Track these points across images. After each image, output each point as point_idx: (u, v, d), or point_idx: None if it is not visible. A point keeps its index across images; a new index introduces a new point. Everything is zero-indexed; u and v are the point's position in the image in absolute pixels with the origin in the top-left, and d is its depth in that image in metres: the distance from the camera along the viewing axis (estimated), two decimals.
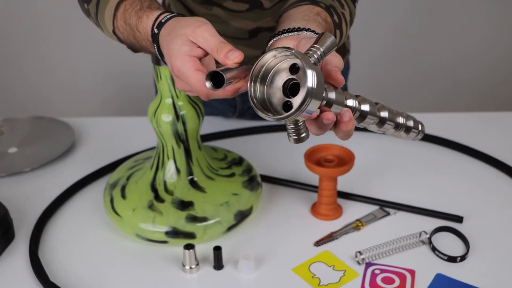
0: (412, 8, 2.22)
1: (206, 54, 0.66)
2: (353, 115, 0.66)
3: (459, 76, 2.34)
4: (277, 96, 0.61)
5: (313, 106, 0.57)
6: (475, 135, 1.11)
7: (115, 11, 0.76)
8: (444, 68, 2.33)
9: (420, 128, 0.76)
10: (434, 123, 1.15)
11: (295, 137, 0.62)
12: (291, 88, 0.60)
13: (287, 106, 0.60)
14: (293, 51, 0.57)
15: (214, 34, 0.65)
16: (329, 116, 0.61)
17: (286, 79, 0.60)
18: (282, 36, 0.70)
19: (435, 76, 2.34)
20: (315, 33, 0.70)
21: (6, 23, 2.21)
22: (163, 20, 0.69)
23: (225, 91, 0.65)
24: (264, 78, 0.62)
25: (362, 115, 0.67)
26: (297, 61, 0.59)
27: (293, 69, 0.60)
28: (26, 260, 0.83)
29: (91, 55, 2.25)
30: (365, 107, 0.67)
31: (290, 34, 0.69)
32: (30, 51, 2.28)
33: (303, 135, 0.61)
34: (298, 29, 0.70)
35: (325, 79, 0.62)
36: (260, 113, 0.60)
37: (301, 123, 0.61)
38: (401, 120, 0.73)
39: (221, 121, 1.20)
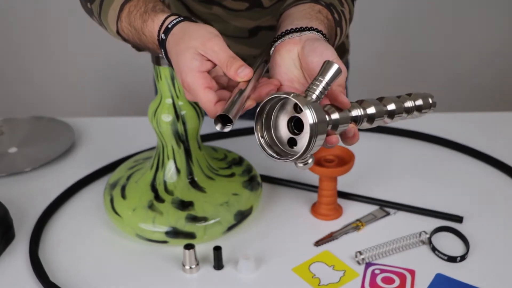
0: (412, 8, 2.22)
1: (215, 65, 0.67)
2: (361, 122, 0.67)
3: (459, 76, 2.34)
4: (283, 134, 0.64)
5: (319, 141, 0.60)
6: (475, 135, 1.11)
7: (119, 12, 0.75)
8: (444, 68, 2.33)
9: (431, 101, 0.75)
10: (434, 123, 1.15)
11: (301, 165, 0.63)
12: (295, 124, 0.63)
13: (292, 141, 0.63)
14: (291, 95, 0.59)
15: (224, 48, 0.66)
16: (333, 140, 0.63)
17: (289, 117, 0.63)
18: (286, 38, 0.70)
19: (435, 76, 2.34)
20: (318, 31, 0.70)
21: (6, 23, 2.21)
22: (170, 26, 0.69)
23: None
24: (268, 121, 0.64)
25: (371, 118, 0.67)
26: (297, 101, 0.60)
27: (296, 107, 0.62)
28: (26, 260, 0.83)
29: (91, 55, 2.25)
30: (371, 110, 0.67)
31: (294, 35, 0.69)
32: (30, 51, 2.28)
33: (310, 160, 0.63)
34: (301, 29, 0.69)
35: (330, 101, 0.64)
36: (274, 159, 0.63)
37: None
38: (409, 103, 0.73)
39: None
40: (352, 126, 0.65)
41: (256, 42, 1.07)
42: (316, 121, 0.58)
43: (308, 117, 0.58)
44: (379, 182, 0.99)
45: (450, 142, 1.08)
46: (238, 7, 1.02)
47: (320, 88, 0.61)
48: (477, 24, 2.24)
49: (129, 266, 0.83)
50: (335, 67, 0.61)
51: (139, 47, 0.77)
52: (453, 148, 1.08)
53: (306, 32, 0.69)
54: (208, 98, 0.64)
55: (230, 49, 1.10)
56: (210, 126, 1.16)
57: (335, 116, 0.63)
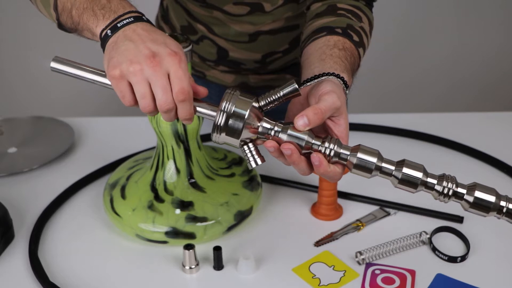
0: (412, 8, 2.22)
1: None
2: (330, 157, 0.68)
3: (459, 76, 2.34)
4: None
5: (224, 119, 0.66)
6: (475, 135, 1.11)
7: None
8: (444, 68, 2.33)
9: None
10: (434, 123, 1.15)
11: (250, 163, 0.68)
12: None
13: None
14: (236, 92, 0.67)
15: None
16: (268, 144, 0.67)
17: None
18: (302, 87, 0.73)
19: (436, 76, 2.34)
20: (331, 74, 0.72)
21: (6, 22, 2.21)
22: (125, 22, 0.66)
23: None
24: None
25: (337, 156, 0.68)
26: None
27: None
28: (25, 260, 0.83)
29: (91, 55, 2.24)
30: (344, 151, 0.68)
31: (309, 83, 0.73)
32: (30, 51, 2.28)
33: (258, 159, 0.68)
34: (315, 77, 0.72)
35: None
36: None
37: (250, 151, 0.68)
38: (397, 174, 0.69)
39: None
40: (316, 154, 0.66)
41: (255, 47, 1.07)
42: (229, 103, 0.65)
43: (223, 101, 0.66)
44: (379, 182, 0.99)
45: (450, 142, 1.08)
46: (239, 12, 1.02)
47: (271, 98, 0.68)
48: (477, 24, 2.24)
49: (129, 266, 0.83)
50: (292, 86, 0.67)
51: (70, 21, 0.73)
52: (453, 148, 1.08)
53: (320, 78, 0.72)
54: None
55: (230, 53, 1.11)
56: (210, 126, 1.16)
57: (265, 124, 0.68)
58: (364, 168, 0.68)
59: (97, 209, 0.93)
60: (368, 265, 0.81)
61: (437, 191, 0.67)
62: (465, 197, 0.67)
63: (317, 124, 0.66)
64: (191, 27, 1.09)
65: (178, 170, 0.87)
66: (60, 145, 1.09)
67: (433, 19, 2.25)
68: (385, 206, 0.93)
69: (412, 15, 2.24)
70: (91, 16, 0.68)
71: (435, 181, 0.67)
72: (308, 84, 0.73)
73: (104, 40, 0.67)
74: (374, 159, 0.67)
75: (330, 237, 0.86)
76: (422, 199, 0.94)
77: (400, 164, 0.68)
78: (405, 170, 0.67)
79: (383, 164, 0.68)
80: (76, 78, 0.71)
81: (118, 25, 0.66)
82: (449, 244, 0.85)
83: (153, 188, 0.87)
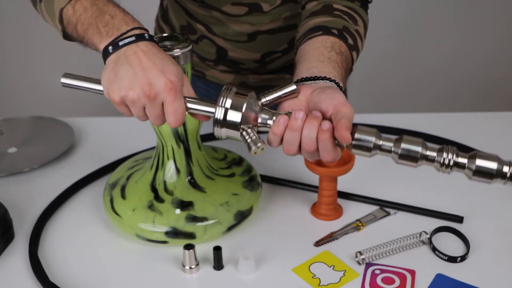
0: (412, 8, 2.22)
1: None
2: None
3: (459, 76, 2.34)
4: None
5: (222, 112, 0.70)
6: (475, 135, 1.11)
7: None
8: (444, 68, 2.33)
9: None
10: (434, 123, 1.15)
11: (250, 147, 0.69)
12: None
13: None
14: (233, 89, 0.71)
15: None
16: (277, 122, 0.69)
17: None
18: (299, 84, 0.74)
19: (435, 76, 2.34)
20: (331, 80, 0.74)
21: (6, 22, 2.21)
22: (127, 41, 0.69)
23: None
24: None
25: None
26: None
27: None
28: (25, 260, 0.83)
29: (91, 55, 2.24)
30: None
31: (308, 82, 0.74)
32: (30, 51, 2.28)
33: (258, 142, 0.69)
34: (315, 78, 0.74)
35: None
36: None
37: (248, 135, 0.70)
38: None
39: None
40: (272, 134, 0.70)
41: (254, 47, 1.07)
42: (226, 97, 0.69)
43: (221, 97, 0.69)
44: (379, 182, 0.99)
45: (450, 142, 1.08)
46: (237, 12, 1.02)
47: (270, 96, 0.71)
48: (477, 24, 2.24)
49: (129, 266, 0.83)
50: (292, 87, 0.71)
51: (75, 34, 0.75)
52: None
53: (320, 81, 0.73)
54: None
55: (229, 52, 1.11)
56: (210, 126, 1.16)
57: (264, 115, 0.71)
58: (363, 147, 0.68)
59: (97, 209, 0.93)
60: (368, 265, 0.81)
61: (438, 162, 0.67)
62: (467, 165, 0.67)
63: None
64: (190, 27, 1.10)
65: (178, 170, 0.87)
66: (60, 145, 1.09)
67: (433, 19, 2.25)
68: (385, 206, 0.93)
69: (411, 15, 2.24)
70: (95, 32, 0.71)
71: (435, 154, 0.67)
72: (307, 83, 0.74)
73: (105, 55, 0.70)
74: (372, 138, 0.68)
75: (330, 237, 0.86)
76: (422, 199, 0.94)
77: (399, 140, 0.68)
78: (404, 145, 0.67)
79: (382, 142, 0.68)
80: (86, 91, 0.75)
81: (120, 43, 0.69)
82: (449, 244, 0.85)
83: (153, 188, 0.87)
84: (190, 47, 0.79)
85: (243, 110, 0.69)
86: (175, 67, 0.70)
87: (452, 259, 0.81)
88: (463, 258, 0.82)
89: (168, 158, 0.87)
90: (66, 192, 0.96)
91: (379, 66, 2.29)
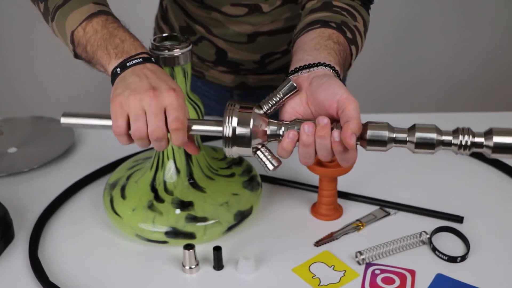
0: (412, 8, 2.22)
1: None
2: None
3: (459, 77, 2.34)
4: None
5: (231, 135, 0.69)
6: None
7: (91, 15, 0.76)
8: (444, 68, 2.33)
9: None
10: (434, 123, 1.14)
11: (267, 166, 0.70)
12: None
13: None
14: (235, 106, 0.70)
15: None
16: (287, 136, 0.69)
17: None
18: (295, 76, 0.73)
19: (436, 76, 2.34)
20: (326, 65, 0.72)
21: (6, 22, 2.21)
22: (134, 62, 0.72)
23: None
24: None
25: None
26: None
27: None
28: (25, 260, 0.83)
29: None
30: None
31: (303, 71, 0.72)
32: (30, 51, 2.28)
33: (273, 161, 0.70)
34: (310, 66, 0.72)
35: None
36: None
37: (264, 155, 0.71)
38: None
39: None
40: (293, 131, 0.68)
41: (254, 47, 1.07)
42: (232, 116, 0.69)
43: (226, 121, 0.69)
44: (379, 182, 0.99)
45: None
46: (237, 13, 1.02)
47: (272, 102, 0.70)
48: (477, 24, 2.24)
49: (129, 266, 0.83)
50: (289, 84, 0.69)
51: (84, 54, 0.77)
52: None
53: (314, 68, 0.72)
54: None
55: (229, 53, 1.12)
56: None
57: (272, 126, 0.70)
58: (378, 142, 0.68)
59: (97, 209, 0.93)
60: (368, 265, 0.81)
61: (455, 145, 0.67)
62: (485, 143, 0.66)
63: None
64: (189, 28, 1.09)
65: (178, 170, 0.87)
66: (60, 145, 1.09)
67: (433, 19, 2.25)
68: (385, 206, 0.92)
69: (412, 16, 2.24)
70: (104, 54, 0.74)
71: (450, 138, 0.67)
72: (302, 73, 0.72)
73: (113, 76, 0.72)
74: (385, 132, 0.67)
75: (330, 237, 0.86)
76: (422, 199, 0.94)
77: (412, 129, 0.68)
78: (418, 134, 0.67)
79: (396, 134, 0.68)
80: (88, 128, 0.77)
81: (128, 64, 0.72)
82: (449, 244, 0.85)
83: (153, 188, 0.87)
84: (190, 47, 0.79)
85: (251, 126, 0.68)
86: (179, 86, 0.71)
87: (452, 259, 0.81)
88: (463, 258, 0.82)
89: (168, 158, 0.87)
90: (66, 192, 0.96)
91: (379, 66, 2.29)
